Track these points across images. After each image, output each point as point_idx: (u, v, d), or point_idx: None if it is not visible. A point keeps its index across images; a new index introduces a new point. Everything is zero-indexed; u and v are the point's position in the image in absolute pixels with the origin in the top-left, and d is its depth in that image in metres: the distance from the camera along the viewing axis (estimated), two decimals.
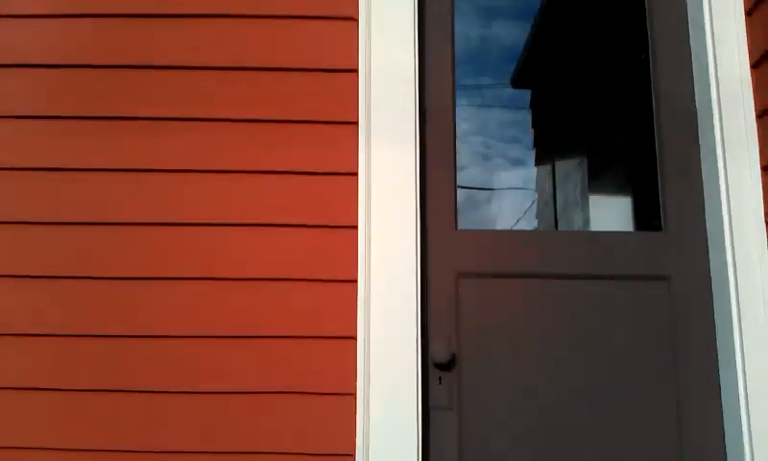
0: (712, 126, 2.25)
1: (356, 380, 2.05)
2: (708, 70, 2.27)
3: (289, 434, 2.03)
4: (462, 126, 2.37)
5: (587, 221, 3.28)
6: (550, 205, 3.47)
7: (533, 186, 3.46)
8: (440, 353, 2.15)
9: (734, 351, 2.13)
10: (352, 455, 2.02)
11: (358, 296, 2.10)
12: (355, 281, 2.10)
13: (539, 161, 3.54)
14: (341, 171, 2.16)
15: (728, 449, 2.16)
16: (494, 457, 2.16)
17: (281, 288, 2.09)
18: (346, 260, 2.10)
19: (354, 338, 2.07)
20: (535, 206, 3.45)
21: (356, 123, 2.17)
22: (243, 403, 2.05)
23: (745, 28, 2.27)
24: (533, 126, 3.53)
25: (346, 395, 2.05)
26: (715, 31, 2.29)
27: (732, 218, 2.18)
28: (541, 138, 3.52)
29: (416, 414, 2.06)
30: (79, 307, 2.08)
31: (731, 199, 2.19)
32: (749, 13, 2.26)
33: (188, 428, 2.04)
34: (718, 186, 2.22)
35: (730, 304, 2.15)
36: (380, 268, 2.12)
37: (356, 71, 2.19)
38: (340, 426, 2.04)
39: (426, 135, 2.31)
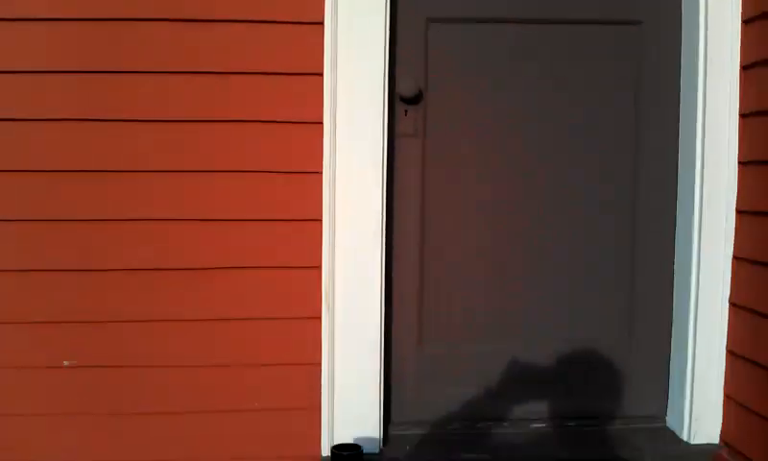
0: None
1: (323, 112, 2.12)
2: None
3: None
4: None
5: None
6: None
7: None
8: (406, 88, 2.21)
9: (696, 94, 2.22)
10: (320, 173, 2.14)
11: (324, 38, 2.11)
12: (321, 24, 2.10)
13: None
14: None
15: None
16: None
17: None
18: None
19: (321, 74, 2.11)
20: None
21: None
22: None
23: None
24: None
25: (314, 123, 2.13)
26: None
27: None
28: None
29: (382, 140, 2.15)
30: None
31: None
32: None
33: None
34: None
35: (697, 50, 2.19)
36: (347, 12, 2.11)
37: None
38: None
39: None
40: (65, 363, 2.12)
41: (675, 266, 2.36)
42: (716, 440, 2.26)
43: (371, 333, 2.17)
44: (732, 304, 2.22)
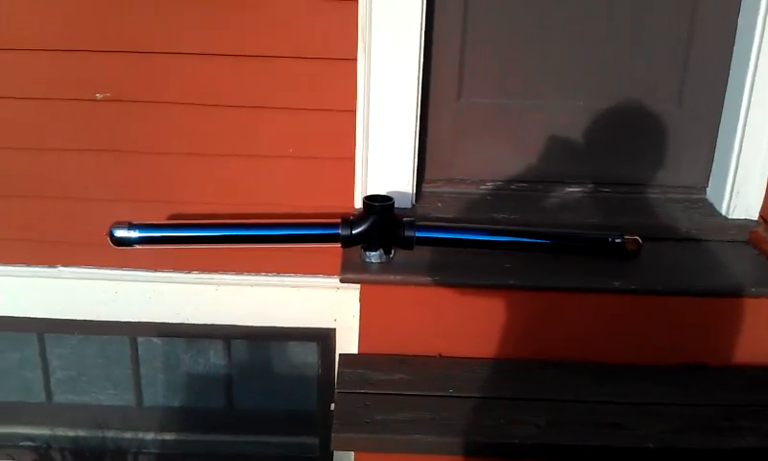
0: None
1: None
2: None
3: None
4: None
5: None
6: None
7: None
8: None
9: None
10: None
11: None
12: None
13: None
14: None
15: None
16: None
17: None
18: None
19: None
20: None
21: None
22: None
23: None
24: None
25: None
26: None
27: None
28: None
29: None
30: None
31: None
32: None
33: None
34: None
35: None
36: None
37: None
38: None
39: None
40: (98, 96, 2.09)
41: (738, 24, 2.16)
42: (755, 216, 2.21)
43: (408, 81, 2.07)
44: None
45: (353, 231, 1.96)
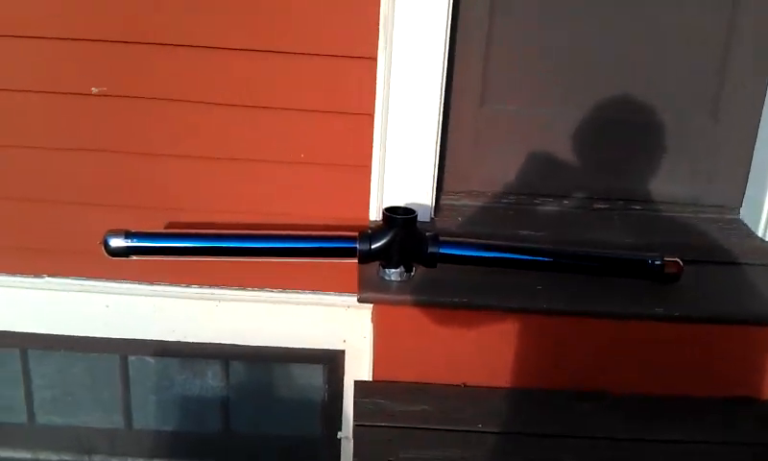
0: None
1: None
2: None
3: None
4: None
5: None
6: None
7: None
8: None
9: None
10: None
11: None
12: None
13: None
14: None
15: None
16: None
17: None
18: None
19: None
20: None
21: None
22: None
23: None
24: None
25: None
26: None
27: None
28: None
29: None
30: None
31: None
32: None
33: None
34: None
35: None
36: None
37: None
38: None
39: None
40: (94, 90, 1.92)
41: None
42: None
43: (431, 84, 1.91)
44: None
45: (372, 246, 1.79)
